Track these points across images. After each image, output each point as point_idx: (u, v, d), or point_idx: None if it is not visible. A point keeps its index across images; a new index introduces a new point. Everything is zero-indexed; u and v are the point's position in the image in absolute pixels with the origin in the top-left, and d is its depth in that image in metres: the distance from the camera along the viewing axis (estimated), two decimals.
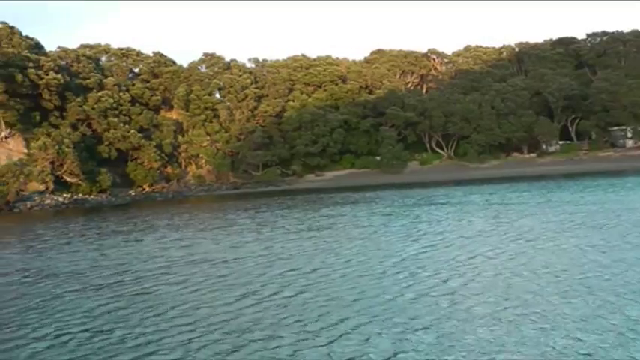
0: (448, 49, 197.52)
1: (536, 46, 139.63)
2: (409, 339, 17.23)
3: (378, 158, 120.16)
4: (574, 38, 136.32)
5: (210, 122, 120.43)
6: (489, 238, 34.63)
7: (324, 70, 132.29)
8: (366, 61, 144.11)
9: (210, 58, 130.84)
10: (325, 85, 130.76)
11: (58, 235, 49.30)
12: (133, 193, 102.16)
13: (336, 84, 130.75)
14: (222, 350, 17.15)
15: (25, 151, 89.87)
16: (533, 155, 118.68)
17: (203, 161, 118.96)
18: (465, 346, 16.34)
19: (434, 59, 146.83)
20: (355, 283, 24.74)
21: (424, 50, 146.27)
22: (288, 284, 25.22)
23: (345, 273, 26.84)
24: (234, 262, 31.56)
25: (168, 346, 17.75)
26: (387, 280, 25.04)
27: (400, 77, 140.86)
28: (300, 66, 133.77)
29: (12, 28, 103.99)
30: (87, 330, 19.97)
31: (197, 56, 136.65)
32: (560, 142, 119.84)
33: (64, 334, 19.62)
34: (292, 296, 23.10)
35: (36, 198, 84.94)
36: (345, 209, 58.26)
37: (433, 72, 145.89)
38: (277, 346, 17.22)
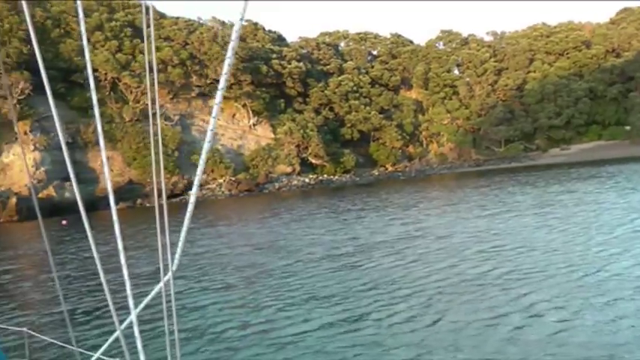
0: None
1: None
2: None
3: (628, 128, 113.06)
4: None
5: (450, 99, 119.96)
6: None
7: (566, 37, 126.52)
8: (612, 22, 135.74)
9: (448, 35, 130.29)
10: (568, 53, 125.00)
11: (297, 213, 52.24)
12: (376, 173, 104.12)
13: (580, 50, 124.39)
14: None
15: (272, 136, 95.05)
16: None
17: (444, 139, 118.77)
18: None
19: None
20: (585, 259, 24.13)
21: None
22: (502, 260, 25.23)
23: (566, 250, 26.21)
24: (450, 238, 32.09)
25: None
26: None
27: None
28: (541, 35, 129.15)
29: (255, 24, 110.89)
30: (304, 294, 21.30)
31: (434, 34, 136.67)
32: None
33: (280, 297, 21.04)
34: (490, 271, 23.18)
35: (284, 179, 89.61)
36: (580, 185, 56.13)
37: None
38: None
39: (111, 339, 5.55)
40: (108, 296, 3.68)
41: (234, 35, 2.93)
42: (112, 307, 3.68)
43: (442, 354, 15.12)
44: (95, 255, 3.58)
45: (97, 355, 6.60)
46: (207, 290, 23.72)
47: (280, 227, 42.58)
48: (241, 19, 2.89)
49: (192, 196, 3.33)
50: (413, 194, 62.05)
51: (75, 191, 3.72)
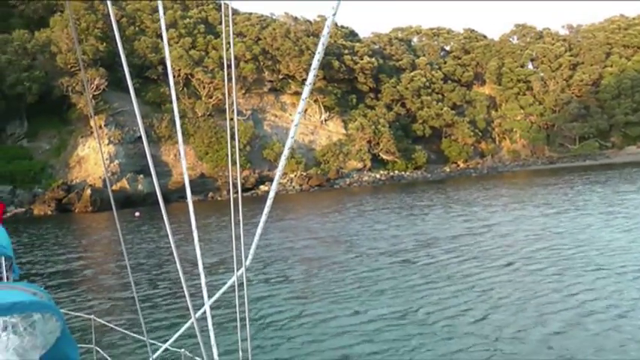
0: None
1: None
2: None
3: None
4: None
5: (524, 95, 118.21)
6: None
7: None
8: None
9: (522, 29, 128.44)
10: None
11: (364, 208, 52.62)
12: (448, 169, 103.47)
13: None
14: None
15: (344, 131, 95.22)
16: None
17: (517, 135, 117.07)
18: None
19: None
20: None
21: None
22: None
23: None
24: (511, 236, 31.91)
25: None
26: None
27: None
28: (618, 27, 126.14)
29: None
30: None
31: (508, 28, 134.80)
32: None
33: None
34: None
35: (354, 175, 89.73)
36: None
37: None
38: None
39: (184, 327, 5.61)
40: (184, 286, 3.89)
41: (325, 31, 3.01)
42: (187, 297, 3.85)
43: (489, 348, 15.38)
44: (173, 246, 3.78)
45: (166, 345, 6.65)
46: (270, 281, 24.29)
47: (346, 222, 42.97)
48: (334, 14, 2.99)
49: (272, 191, 3.43)
50: (482, 191, 61.60)
51: (155, 184, 3.99)
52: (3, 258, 9.01)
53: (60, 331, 5.23)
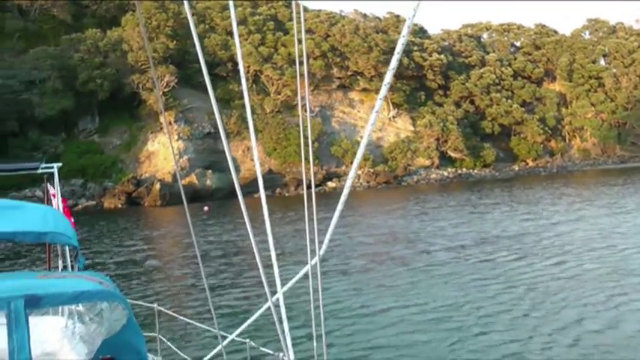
0: None
1: None
2: None
3: None
4: None
5: (595, 92, 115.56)
6: None
7: None
8: None
9: (594, 24, 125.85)
10: None
11: (429, 205, 52.68)
12: (517, 168, 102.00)
13: None
14: None
15: (412, 128, 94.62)
16: None
17: (587, 134, 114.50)
18: None
19: None
20: None
21: None
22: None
23: None
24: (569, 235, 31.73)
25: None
26: None
27: None
28: None
29: (397, 16, 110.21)
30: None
31: (580, 23, 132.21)
32: None
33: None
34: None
35: (422, 172, 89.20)
36: None
37: None
38: None
39: (257, 314, 5.58)
40: (262, 271, 3.97)
41: (404, 31, 2.99)
42: (265, 282, 3.97)
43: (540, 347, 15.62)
44: (251, 236, 3.89)
45: (232, 336, 6.63)
46: (329, 274, 24.91)
47: (409, 218, 43.52)
48: (413, 15, 2.96)
49: (346, 188, 3.51)
50: (549, 190, 60.97)
51: (233, 178, 4.27)
52: (68, 248, 9.17)
53: (126, 319, 5.39)
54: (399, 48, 3.03)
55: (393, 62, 3.05)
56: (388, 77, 3.09)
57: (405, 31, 2.97)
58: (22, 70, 70.81)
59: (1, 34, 75.25)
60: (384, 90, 3.19)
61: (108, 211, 61.78)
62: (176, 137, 74.02)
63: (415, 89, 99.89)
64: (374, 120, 3.34)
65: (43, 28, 79.70)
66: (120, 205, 65.89)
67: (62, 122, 72.59)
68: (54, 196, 11.63)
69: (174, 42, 76.91)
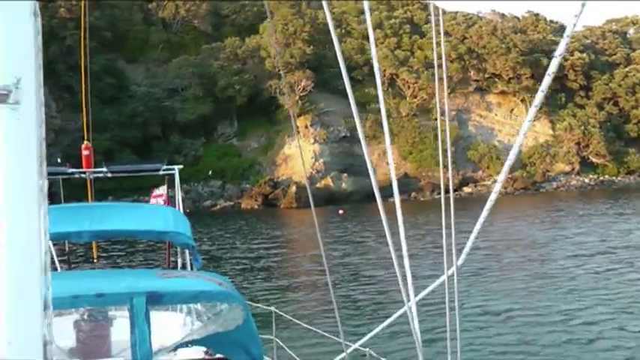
0: None
1: None
2: None
3: None
4: None
5: None
6: None
7: None
8: None
9: None
10: None
11: (564, 214, 51.15)
12: None
13: None
14: None
15: (551, 132, 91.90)
16: None
17: None
18: None
19: None
20: None
21: None
22: None
23: None
24: None
25: None
26: None
27: None
28: None
29: (536, 15, 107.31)
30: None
31: None
32: None
33: None
34: None
35: (561, 178, 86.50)
36: None
37: None
38: None
39: (387, 322, 5.55)
40: (399, 276, 3.78)
41: (567, 32, 2.79)
42: (402, 287, 3.78)
43: None
44: (389, 241, 3.75)
45: (356, 345, 6.62)
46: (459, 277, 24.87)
47: (545, 226, 42.19)
48: (577, 16, 2.74)
49: (494, 194, 3.31)
50: None
51: (372, 182, 4.04)
52: (188, 248, 9.35)
53: (243, 320, 5.47)
54: (560, 49, 2.82)
55: (553, 66, 2.83)
56: (546, 83, 2.91)
57: (568, 30, 2.78)
58: (165, 78, 75.05)
59: (147, 46, 79.87)
60: (539, 97, 3.04)
61: (245, 212, 63.85)
62: (312, 140, 75.18)
63: (555, 91, 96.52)
64: (527, 128, 3.24)
65: (185, 38, 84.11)
66: (256, 206, 68.01)
67: (202, 127, 75.69)
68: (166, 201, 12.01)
69: (311, 47, 77.97)
